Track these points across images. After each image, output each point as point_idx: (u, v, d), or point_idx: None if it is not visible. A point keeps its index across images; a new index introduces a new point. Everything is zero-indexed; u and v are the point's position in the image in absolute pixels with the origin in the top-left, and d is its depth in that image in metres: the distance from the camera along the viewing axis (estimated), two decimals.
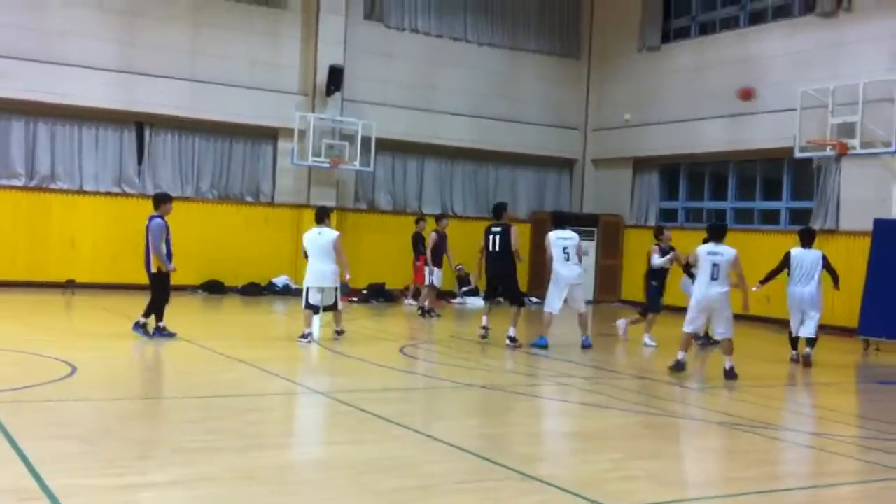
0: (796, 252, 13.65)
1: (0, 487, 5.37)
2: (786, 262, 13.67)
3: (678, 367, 11.77)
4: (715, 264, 11.54)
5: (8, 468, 5.80)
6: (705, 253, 11.73)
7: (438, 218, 19.22)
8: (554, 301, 13.94)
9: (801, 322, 13.56)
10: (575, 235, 14.21)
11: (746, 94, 18.13)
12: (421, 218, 20.65)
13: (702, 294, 11.69)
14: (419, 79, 23.67)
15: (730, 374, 11.46)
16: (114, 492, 5.45)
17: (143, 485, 5.67)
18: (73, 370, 9.67)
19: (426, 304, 18.24)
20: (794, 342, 13.84)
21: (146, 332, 12.50)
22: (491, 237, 14.02)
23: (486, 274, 14.43)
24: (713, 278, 11.55)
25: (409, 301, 20.66)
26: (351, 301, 20.81)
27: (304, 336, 12.97)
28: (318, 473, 6.35)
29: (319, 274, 13.06)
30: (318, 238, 13.15)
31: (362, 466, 6.43)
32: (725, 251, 11.63)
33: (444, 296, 21.08)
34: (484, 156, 24.85)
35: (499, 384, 10.44)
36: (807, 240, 13.77)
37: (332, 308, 13.37)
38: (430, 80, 23.83)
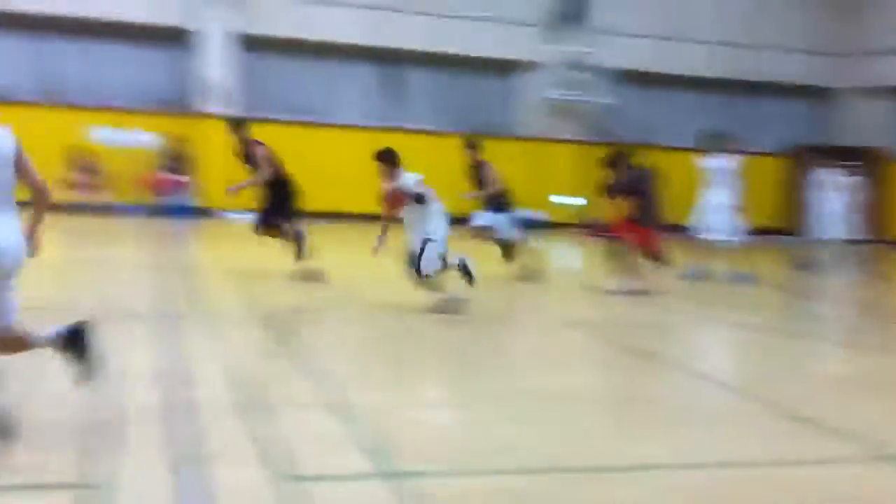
0: None
1: (298, 400, 5.73)
2: None
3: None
4: None
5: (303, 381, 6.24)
6: None
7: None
8: None
9: None
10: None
11: None
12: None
13: None
14: (666, 5, 22.91)
15: None
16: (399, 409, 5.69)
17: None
18: None
19: None
20: None
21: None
22: None
23: None
24: None
25: None
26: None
27: None
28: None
29: None
30: None
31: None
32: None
33: None
34: (733, 86, 23.80)
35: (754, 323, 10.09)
36: None
37: None
38: (679, 6, 23.00)
